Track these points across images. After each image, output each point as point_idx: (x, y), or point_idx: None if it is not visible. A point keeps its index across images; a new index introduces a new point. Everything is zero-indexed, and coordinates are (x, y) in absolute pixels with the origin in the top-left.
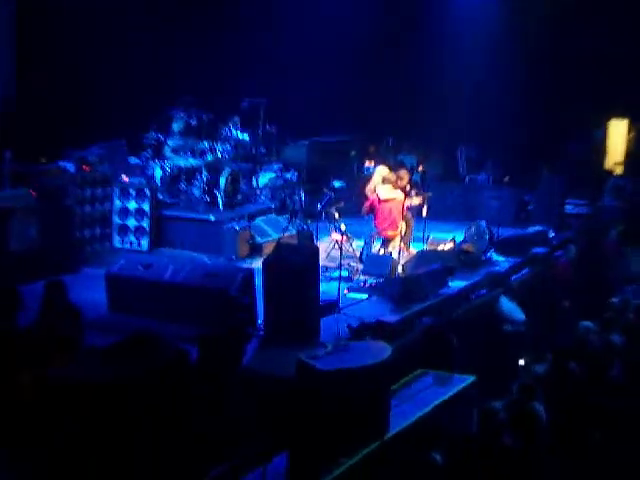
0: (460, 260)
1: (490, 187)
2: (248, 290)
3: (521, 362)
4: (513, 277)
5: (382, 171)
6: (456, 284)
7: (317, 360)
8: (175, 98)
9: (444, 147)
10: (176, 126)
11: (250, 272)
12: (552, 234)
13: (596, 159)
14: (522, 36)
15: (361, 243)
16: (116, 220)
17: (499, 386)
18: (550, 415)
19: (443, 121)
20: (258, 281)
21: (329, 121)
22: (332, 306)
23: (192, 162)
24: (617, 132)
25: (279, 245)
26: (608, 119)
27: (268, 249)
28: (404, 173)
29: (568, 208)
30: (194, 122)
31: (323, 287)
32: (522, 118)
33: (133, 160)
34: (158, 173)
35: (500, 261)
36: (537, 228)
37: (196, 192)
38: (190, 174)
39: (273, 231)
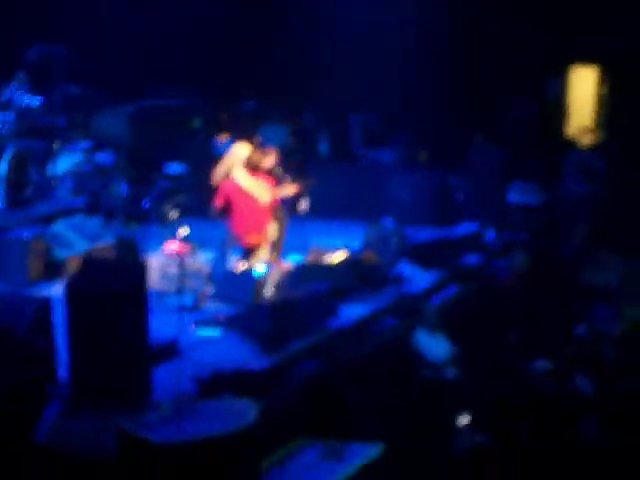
0: (356, 276)
1: (399, 169)
2: (43, 329)
3: (462, 421)
4: (434, 299)
5: (241, 149)
6: (351, 312)
7: (148, 429)
8: None
9: (330, 114)
10: None
11: (46, 303)
12: (490, 235)
13: (552, 124)
14: None
15: (211, 256)
16: None
17: (420, 460)
18: None
19: (328, 77)
20: (58, 316)
21: (160, 77)
22: (170, 349)
23: None
24: (582, 85)
25: (88, 261)
26: (568, 65)
27: (73, 267)
28: (272, 151)
29: (512, 196)
30: None
31: (155, 322)
32: (440, 68)
33: None
34: None
35: (416, 276)
36: (468, 227)
37: None
38: None
39: (80, 240)
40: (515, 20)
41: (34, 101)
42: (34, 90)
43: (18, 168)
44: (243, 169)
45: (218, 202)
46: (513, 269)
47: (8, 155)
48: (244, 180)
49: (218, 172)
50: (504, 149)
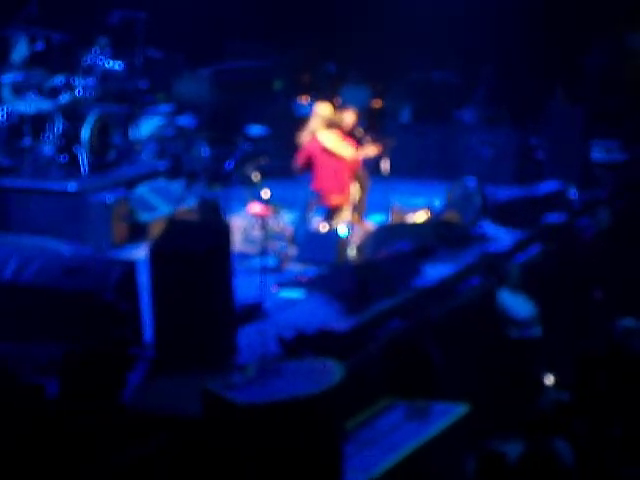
0: (440, 236)
1: (480, 128)
2: (128, 292)
3: (548, 381)
4: (518, 258)
5: (323, 110)
6: (434, 271)
7: (234, 390)
8: (12, 11)
9: (410, 73)
10: (15, 53)
11: (131, 266)
12: (574, 193)
13: (635, 76)
14: None
15: (294, 217)
16: None
17: (505, 418)
18: (578, 455)
19: (407, 36)
20: (143, 278)
21: (241, 39)
22: (254, 311)
23: (40, 106)
24: None
25: (172, 224)
26: None
27: (156, 230)
28: (351, 112)
29: (596, 154)
30: (40, 47)
31: (238, 283)
32: (520, 22)
33: None
34: None
35: (498, 236)
36: (551, 185)
37: (47, 150)
38: (38, 123)
39: (163, 203)
40: None
41: (116, 65)
42: (116, 54)
43: (101, 132)
44: (326, 129)
45: (299, 160)
46: (597, 227)
47: (91, 119)
48: (329, 140)
49: (304, 133)
50: (586, 105)
